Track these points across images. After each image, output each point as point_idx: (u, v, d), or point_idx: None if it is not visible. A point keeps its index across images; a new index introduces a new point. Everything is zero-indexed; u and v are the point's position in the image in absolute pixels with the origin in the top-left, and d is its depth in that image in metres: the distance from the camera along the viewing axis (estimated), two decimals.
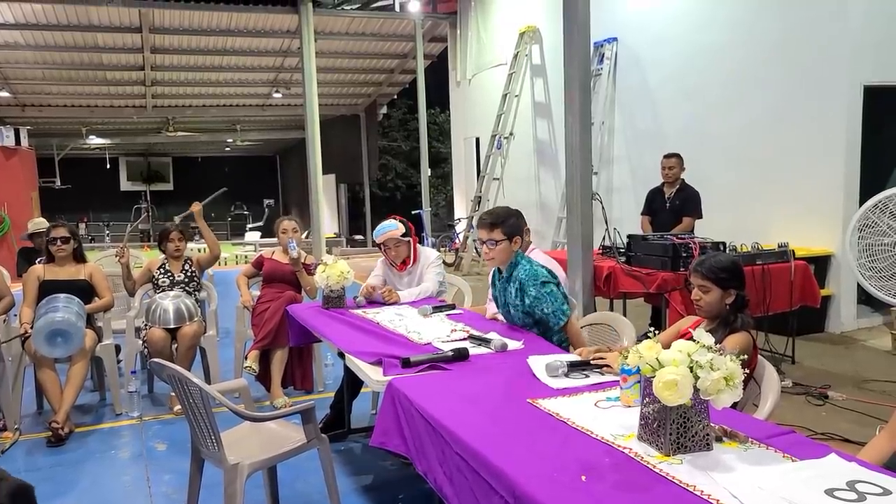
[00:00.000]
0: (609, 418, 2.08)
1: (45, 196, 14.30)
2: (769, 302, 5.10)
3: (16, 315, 4.79)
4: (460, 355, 2.78)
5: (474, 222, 10.83)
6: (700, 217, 5.98)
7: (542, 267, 3.29)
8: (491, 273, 3.53)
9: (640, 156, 8.51)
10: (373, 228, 21.28)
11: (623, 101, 8.95)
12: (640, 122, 8.69)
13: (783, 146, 6.78)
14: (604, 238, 5.72)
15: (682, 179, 6.11)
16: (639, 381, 2.00)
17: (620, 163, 9.04)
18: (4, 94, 16.03)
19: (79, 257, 4.79)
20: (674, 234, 5.30)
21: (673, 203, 6.08)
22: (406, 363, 2.69)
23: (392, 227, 4.36)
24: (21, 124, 13.87)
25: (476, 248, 4.30)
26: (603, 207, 5.58)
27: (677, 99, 8.05)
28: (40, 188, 14.03)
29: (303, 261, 5.04)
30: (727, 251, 4.99)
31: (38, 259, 4.90)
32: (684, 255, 4.87)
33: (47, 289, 4.52)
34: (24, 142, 12.83)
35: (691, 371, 1.79)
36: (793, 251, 5.34)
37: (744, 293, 2.69)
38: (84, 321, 4.38)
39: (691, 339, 1.88)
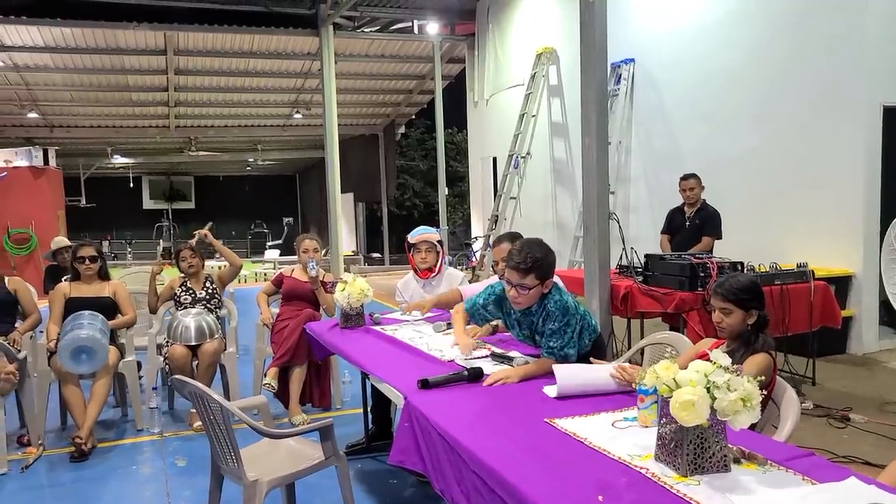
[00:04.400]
0: (626, 438, 2.08)
1: (70, 214, 14.52)
2: (788, 323, 5.06)
3: (42, 332, 4.87)
4: (475, 375, 2.79)
5: (491, 241, 10.85)
6: (720, 237, 5.96)
7: (570, 296, 3.05)
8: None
9: (657, 175, 8.51)
10: (390, 247, 21.36)
11: (640, 121, 8.97)
12: (656, 142, 8.69)
13: (800, 166, 6.75)
14: (621, 257, 5.72)
15: (703, 199, 6.10)
16: (656, 402, 2.01)
17: (637, 182, 9.04)
18: (34, 115, 16.38)
19: (103, 275, 4.88)
20: (691, 254, 5.29)
21: (693, 222, 6.07)
22: (424, 384, 2.70)
23: (430, 231, 4.47)
24: (49, 145, 14.13)
25: (492, 267, 4.21)
26: (620, 227, 5.58)
27: (694, 118, 8.06)
28: (66, 207, 14.26)
29: (321, 279, 5.09)
30: (745, 271, 4.97)
31: (65, 277, 4.99)
32: (702, 274, 4.86)
33: (73, 306, 4.60)
34: (52, 162, 13.07)
35: (708, 392, 1.80)
36: (812, 271, 5.30)
37: (765, 313, 2.68)
38: (108, 338, 4.46)
39: (709, 360, 1.89)
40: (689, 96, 8.14)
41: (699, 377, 1.82)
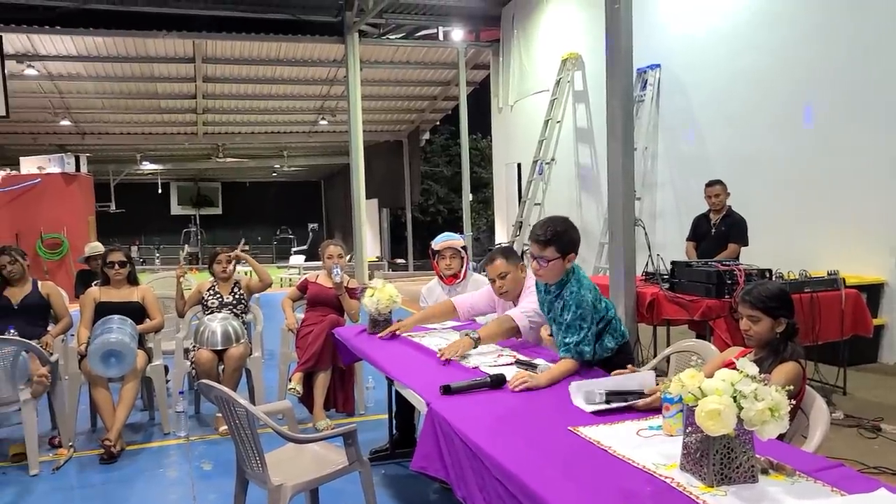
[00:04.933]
0: (651, 447, 2.07)
1: (100, 220, 14.77)
2: (818, 331, 4.98)
3: (73, 335, 4.96)
4: (497, 382, 2.79)
5: (515, 248, 10.83)
6: (746, 244, 5.90)
7: (590, 292, 3.05)
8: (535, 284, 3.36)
9: (684, 181, 8.44)
10: (414, 252, 21.42)
11: (666, 126, 8.91)
12: (683, 147, 8.62)
13: (830, 171, 6.65)
14: (647, 264, 5.67)
15: (729, 206, 6.05)
16: (681, 410, 1.99)
17: (664, 188, 8.97)
18: (67, 122, 16.73)
19: (132, 280, 4.96)
20: (718, 261, 5.24)
21: (719, 229, 6.01)
22: (446, 390, 2.71)
23: (454, 237, 4.48)
24: (81, 151, 14.41)
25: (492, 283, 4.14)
26: (646, 233, 5.54)
27: (721, 124, 7.98)
28: (97, 212, 14.51)
29: (346, 285, 5.12)
30: (773, 279, 4.90)
31: (95, 282, 5.08)
32: (729, 282, 4.81)
33: (102, 310, 4.67)
34: (84, 168, 13.31)
35: (735, 401, 1.78)
36: (843, 279, 5.22)
37: (794, 321, 2.64)
38: (136, 342, 4.52)
39: (735, 368, 1.87)
40: (715, 101, 8.07)
41: (725, 386, 1.80)
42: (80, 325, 4.74)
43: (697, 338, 5.57)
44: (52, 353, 4.60)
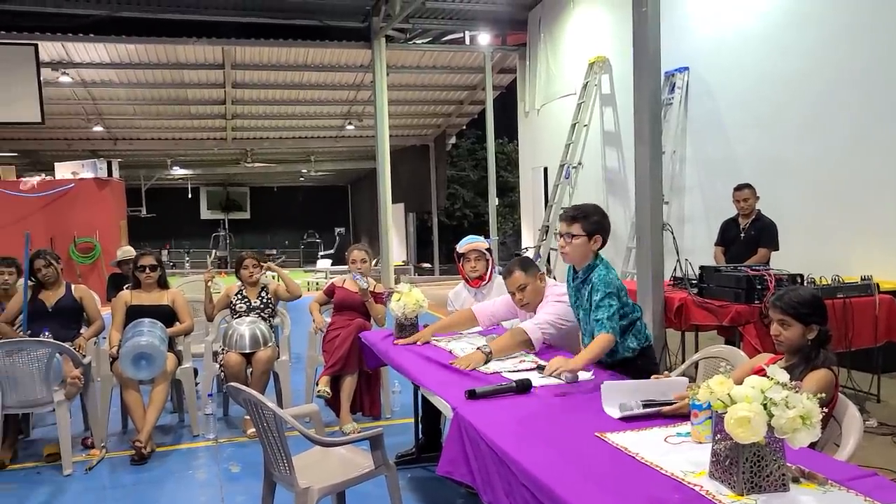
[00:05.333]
0: (679, 454, 2.05)
1: (131, 224, 15.00)
2: (851, 337, 4.88)
3: (104, 338, 5.05)
4: (523, 387, 2.78)
5: (541, 251, 10.79)
6: (777, 248, 5.81)
7: (618, 279, 3.17)
8: (566, 273, 3.43)
9: (713, 185, 8.34)
10: (441, 257, 21.39)
11: (694, 130, 8.82)
12: (712, 151, 8.53)
13: (863, 175, 6.53)
14: (675, 269, 5.62)
15: (759, 210, 5.97)
16: (710, 417, 1.97)
17: (692, 192, 8.88)
18: (99, 128, 17.04)
19: (162, 284, 5.03)
20: (748, 266, 5.17)
21: (748, 234, 5.93)
22: (471, 395, 2.71)
23: (478, 239, 4.49)
24: (113, 157, 14.65)
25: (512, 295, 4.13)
26: (674, 237, 5.49)
27: (751, 127, 7.88)
28: (128, 217, 14.73)
29: (372, 289, 5.15)
30: (805, 284, 4.83)
31: (126, 285, 5.16)
32: (759, 287, 4.74)
33: (133, 313, 4.75)
34: (116, 173, 13.54)
35: (765, 408, 1.76)
36: (877, 284, 5.12)
37: (826, 328, 2.59)
38: (166, 345, 4.59)
39: (765, 375, 1.85)
40: (744, 104, 7.97)
41: (755, 393, 1.78)
42: (111, 329, 4.82)
43: (726, 343, 5.50)
44: (84, 356, 4.68)
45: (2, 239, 10.45)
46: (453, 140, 21.87)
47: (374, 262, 5.36)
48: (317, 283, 15.97)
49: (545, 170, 12.84)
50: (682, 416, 2.34)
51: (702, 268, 5.34)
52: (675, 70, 8.82)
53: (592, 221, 3.12)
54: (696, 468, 1.92)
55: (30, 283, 4.96)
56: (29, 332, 4.67)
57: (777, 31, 7.50)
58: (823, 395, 1.87)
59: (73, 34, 11.57)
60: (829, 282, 5.04)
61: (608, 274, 3.11)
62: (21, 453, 4.56)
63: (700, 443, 2.09)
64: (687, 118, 8.89)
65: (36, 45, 10.16)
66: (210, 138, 18.86)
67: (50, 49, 12.37)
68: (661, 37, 5.26)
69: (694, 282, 5.34)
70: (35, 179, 12.71)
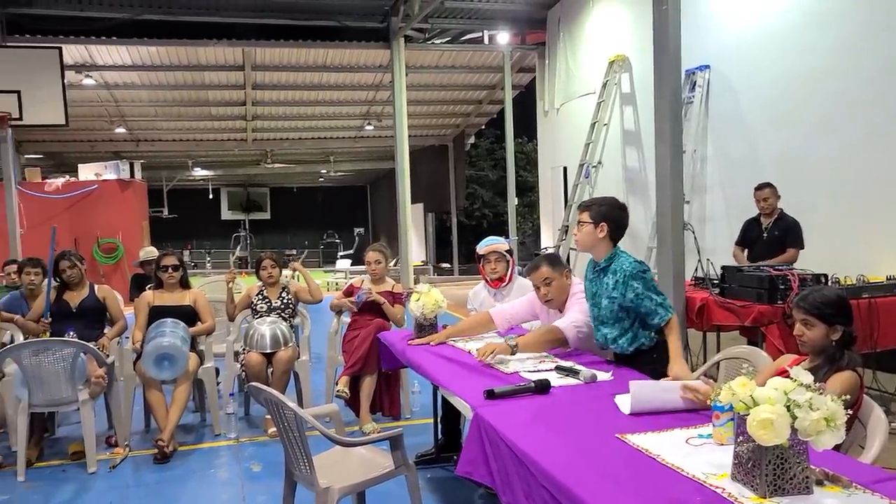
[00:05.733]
0: (701, 456, 2.03)
1: (153, 225, 15.17)
2: (877, 338, 4.81)
3: (127, 338, 5.11)
4: (542, 387, 2.78)
5: (561, 251, 10.75)
6: (803, 247, 5.74)
7: (641, 262, 3.28)
8: (584, 269, 3.49)
9: (734, 184, 8.26)
10: (460, 257, 21.33)
11: (716, 129, 8.74)
12: (734, 150, 8.45)
13: (888, 174, 6.43)
14: (696, 269, 5.58)
15: (780, 209, 5.90)
16: (732, 419, 1.95)
17: (713, 191, 8.80)
18: (122, 130, 17.24)
19: (184, 284, 5.08)
20: (770, 265, 5.12)
21: (771, 234, 5.87)
22: (490, 395, 2.71)
23: (498, 241, 4.49)
24: (135, 158, 14.85)
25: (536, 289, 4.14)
26: (695, 237, 5.45)
27: (773, 126, 7.79)
28: (150, 217, 14.90)
29: (391, 290, 5.16)
30: (829, 284, 4.77)
31: (149, 285, 5.22)
32: (782, 287, 4.69)
33: (156, 313, 4.81)
34: (138, 175, 13.70)
35: (788, 410, 1.74)
36: None
37: (851, 329, 2.56)
38: (188, 346, 4.63)
39: (789, 376, 1.83)
40: (767, 103, 7.88)
41: (778, 395, 1.76)
42: (134, 328, 4.88)
43: (749, 344, 5.45)
44: (108, 356, 4.74)
45: (28, 239, 10.62)
46: (472, 140, 21.84)
47: (393, 263, 5.37)
48: (336, 284, 16.04)
49: (564, 169, 12.79)
50: (696, 410, 2.40)
51: (724, 268, 5.29)
52: (696, 68, 8.75)
53: (600, 211, 3.23)
54: (718, 470, 1.91)
55: (54, 283, 5.04)
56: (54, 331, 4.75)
57: (798, 29, 7.41)
58: (848, 396, 1.85)
59: (95, 37, 11.72)
60: (854, 282, 4.97)
61: (634, 259, 3.22)
62: (47, 451, 4.63)
63: (722, 444, 2.08)
64: (708, 117, 8.81)
65: (60, 49, 10.28)
66: (231, 139, 19.01)
67: (74, 52, 12.53)
68: (681, 34, 5.22)
69: (716, 282, 5.29)
70: (59, 181, 12.90)
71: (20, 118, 9.58)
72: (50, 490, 4.05)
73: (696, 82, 8.80)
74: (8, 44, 10.61)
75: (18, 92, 9.54)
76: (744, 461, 1.82)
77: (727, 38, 8.45)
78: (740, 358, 3.20)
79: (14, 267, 6.12)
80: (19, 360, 4.23)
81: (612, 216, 3.25)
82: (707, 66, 8.72)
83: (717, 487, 1.81)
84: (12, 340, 4.99)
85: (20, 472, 4.18)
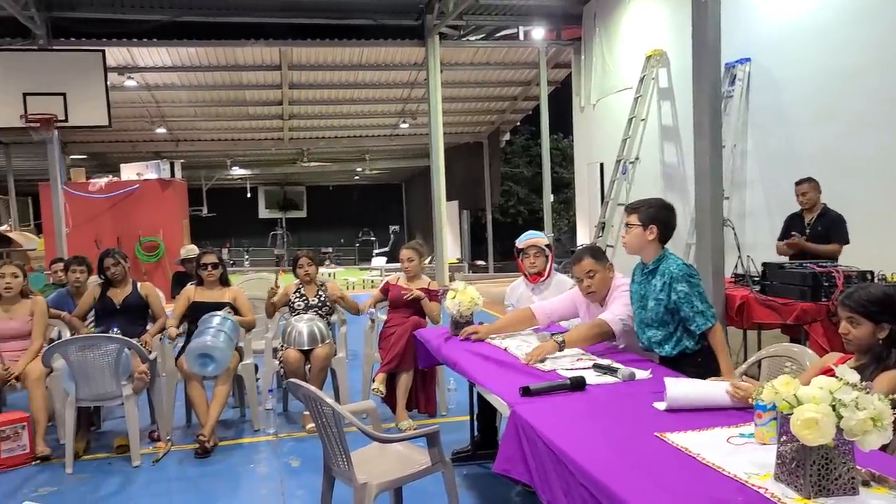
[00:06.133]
0: (742, 455, 2.00)
1: (193, 223, 15.41)
2: None
3: (167, 340, 5.20)
4: (577, 384, 2.76)
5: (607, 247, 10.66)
6: (847, 242, 5.62)
7: (690, 265, 3.25)
8: (632, 271, 3.48)
9: (776, 180, 8.09)
10: (495, 254, 21.24)
11: (756, 123, 8.57)
12: (775, 145, 8.27)
13: None
14: (736, 266, 5.48)
15: (824, 204, 5.78)
16: (775, 418, 1.92)
17: (754, 187, 8.63)
18: (162, 130, 17.58)
19: (224, 281, 5.17)
20: (814, 262, 5.01)
21: (814, 229, 5.74)
22: (526, 391, 2.70)
23: (538, 235, 4.50)
24: (175, 158, 15.09)
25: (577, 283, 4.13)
26: (735, 233, 5.37)
27: (816, 120, 7.61)
28: (189, 216, 15.14)
29: (426, 287, 5.18)
30: (875, 281, 4.65)
31: (189, 283, 5.31)
32: (826, 284, 4.59)
33: (197, 309, 4.90)
34: (178, 174, 13.94)
35: (834, 409, 1.70)
36: None
37: None
38: (235, 341, 4.71)
39: (834, 375, 1.79)
40: (809, 96, 7.70)
41: (823, 394, 1.73)
42: (171, 317, 4.99)
43: (791, 342, 5.35)
44: (150, 352, 4.84)
45: (73, 237, 10.90)
46: (507, 137, 21.75)
47: (428, 260, 5.39)
48: (371, 281, 16.14)
49: (601, 165, 12.67)
50: (739, 408, 2.35)
51: (765, 264, 5.20)
52: (736, 61, 8.59)
53: (649, 213, 3.23)
54: (761, 470, 1.88)
55: (98, 280, 5.17)
56: (98, 328, 4.87)
57: (844, 23, 7.22)
58: (895, 395, 1.81)
59: (137, 39, 11.97)
60: None
61: (683, 262, 3.21)
62: (93, 444, 4.76)
63: (764, 444, 2.05)
64: (748, 111, 8.65)
65: (103, 51, 10.51)
66: (268, 138, 19.23)
67: (116, 54, 12.80)
68: (721, 27, 5.13)
69: (756, 279, 5.20)
70: (103, 181, 13.19)
71: (66, 120, 9.82)
72: (96, 482, 4.16)
73: (736, 75, 8.64)
74: (53, 47, 10.89)
75: (64, 94, 9.78)
76: (787, 461, 1.78)
77: (768, 29, 8.28)
78: (783, 356, 3.14)
79: (60, 265, 6.29)
80: (66, 355, 4.35)
81: (660, 217, 3.23)
82: (748, 59, 8.56)
83: (759, 487, 1.78)
84: (59, 336, 5.12)
85: (68, 464, 4.30)
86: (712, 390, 2.49)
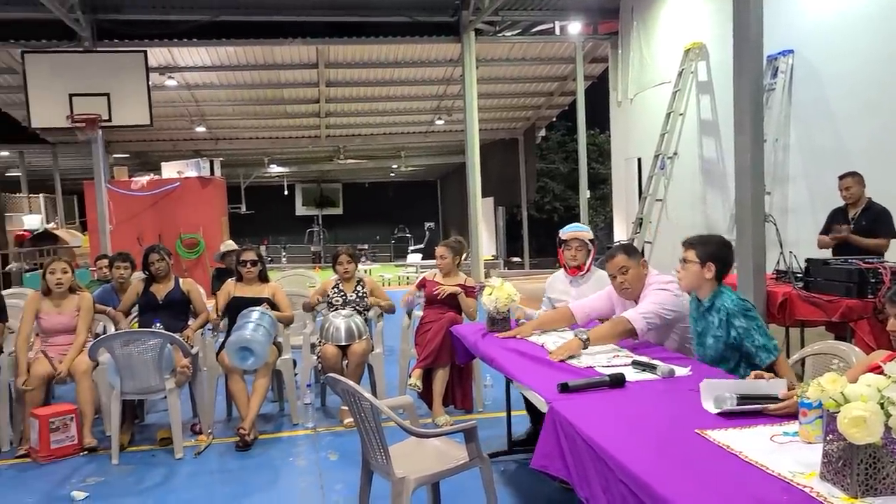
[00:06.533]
0: (786, 454, 1.97)
1: (231, 221, 15.64)
2: None
3: (210, 329, 5.30)
4: (616, 381, 2.74)
5: (636, 245, 10.55)
6: (894, 236, 5.48)
7: (745, 300, 3.17)
8: (688, 303, 3.44)
9: (819, 174, 7.91)
10: (530, 251, 21.11)
11: (799, 117, 8.38)
12: (818, 139, 8.09)
13: None
14: (778, 262, 5.38)
15: (868, 198, 5.64)
16: (821, 417, 1.88)
17: (796, 182, 8.46)
18: (202, 129, 17.87)
19: (263, 277, 5.24)
20: (860, 258, 4.89)
21: (859, 223, 5.61)
22: (564, 388, 2.69)
23: (583, 229, 4.48)
24: (215, 156, 15.34)
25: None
26: (777, 229, 5.25)
27: (861, 113, 7.41)
28: (228, 213, 15.36)
29: (463, 283, 5.19)
30: None
31: (230, 279, 5.40)
32: (873, 280, 4.47)
33: (236, 305, 4.98)
34: (217, 172, 14.16)
35: (882, 408, 1.67)
36: None
37: None
38: (273, 336, 4.78)
39: (882, 373, 1.75)
40: (853, 90, 7.51)
41: (871, 392, 1.69)
42: (213, 310, 5.13)
43: (836, 340, 5.23)
44: (192, 346, 4.93)
45: (116, 234, 11.15)
46: (543, 132, 21.64)
47: (464, 257, 5.40)
48: (407, 278, 16.22)
49: (639, 161, 12.54)
50: (787, 415, 2.25)
51: (808, 260, 5.09)
52: (779, 53, 8.41)
53: (709, 251, 3.15)
54: (806, 469, 1.84)
55: (142, 276, 5.28)
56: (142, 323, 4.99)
57: (887, 13, 7.03)
58: None
59: (178, 39, 12.19)
60: None
61: (737, 296, 3.14)
62: (137, 437, 4.87)
63: (809, 443, 2.01)
64: (791, 104, 8.47)
65: (145, 52, 10.74)
66: (305, 136, 19.41)
67: (157, 55, 13.04)
68: (763, 18, 5.03)
69: (799, 275, 5.09)
70: (144, 179, 13.47)
71: (109, 119, 10.05)
72: (141, 474, 4.26)
73: (778, 68, 8.47)
74: (98, 49, 11.15)
75: (108, 95, 10.00)
76: (833, 460, 1.75)
77: (812, 21, 8.10)
78: (829, 353, 3.07)
79: (105, 261, 6.44)
80: (111, 349, 4.45)
81: (719, 256, 3.17)
82: (790, 51, 8.38)
83: (804, 487, 1.75)
84: (104, 331, 5.25)
85: (114, 455, 4.41)
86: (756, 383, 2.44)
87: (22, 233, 17.70)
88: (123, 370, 4.45)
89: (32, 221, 19.56)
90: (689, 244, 3.21)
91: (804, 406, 2.02)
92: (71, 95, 9.82)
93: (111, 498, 3.95)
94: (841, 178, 5.73)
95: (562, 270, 4.50)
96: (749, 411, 2.31)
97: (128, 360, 4.43)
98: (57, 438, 4.48)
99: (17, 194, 21.21)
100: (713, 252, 3.15)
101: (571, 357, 3.23)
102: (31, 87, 9.93)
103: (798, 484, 1.77)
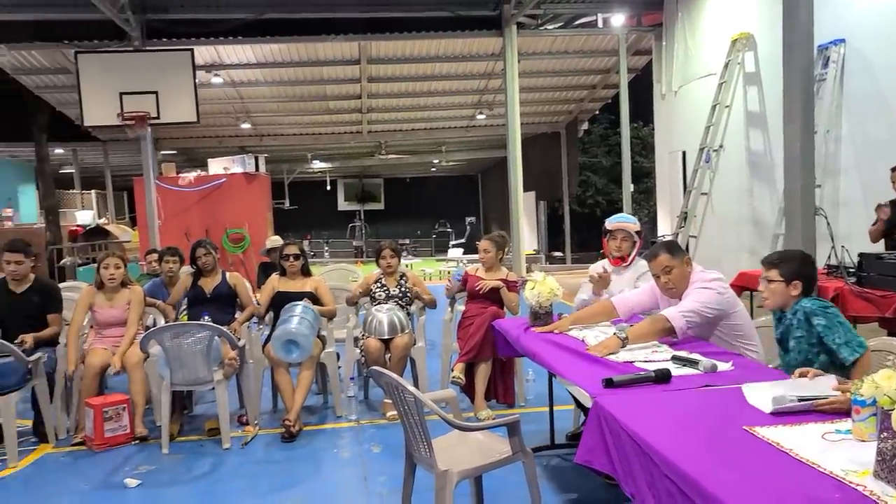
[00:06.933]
0: (839, 452, 1.92)
1: (275, 216, 15.85)
2: None
3: (256, 322, 5.40)
4: (662, 377, 2.71)
5: (680, 239, 10.39)
6: None
7: (822, 299, 3.12)
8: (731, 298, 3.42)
9: (873, 166, 7.68)
10: (572, 245, 20.95)
11: (852, 108, 8.15)
12: (871, 130, 7.85)
13: None
14: (829, 256, 5.25)
15: None
16: (874, 414, 1.84)
17: (848, 174, 8.22)
18: (247, 125, 18.16)
19: (305, 272, 5.32)
20: None
21: None
22: (608, 383, 2.67)
23: (630, 220, 4.43)
24: (259, 152, 15.56)
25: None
26: (828, 223, 5.14)
27: None
28: (273, 209, 15.58)
29: (505, 278, 5.18)
30: None
31: (275, 272, 5.48)
32: None
33: (280, 298, 5.06)
34: (262, 168, 14.36)
35: None
36: None
37: None
38: (316, 329, 4.85)
39: None
40: None
41: None
42: (259, 304, 5.25)
43: (889, 336, 5.08)
44: (239, 339, 5.02)
45: (165, 229, 11.41)
46: (585, 126, 21.42)
47: (506, 251, 5.39)
48: (448, 272, 16.23)
49: (683, 154, 12.34)
50: (839, 412, 2.20)
51: (861, 255, 4.96)
52: (830, 43, 8.18)
53: (793, 269, 3.08)
54: (859, 467, 1.80)
55: (190, 270, 5.40)
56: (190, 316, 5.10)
57: None
58: None
59: (224, 37, 12.40)
60: None
61: (818, 299, 3.09)
62: (186, 427, 4.99)
63: (862, 441, 1.96)
64: (843, 94, 8.23)
65: (192, 50, 10.94)
66: (347, 132, 19.58)
67: (204, 53, 13.29)
68: (813, 6, 4.91)
69: (851, 270, 4.97)
70: (192, 175, 13.73)
71: (158, 117, 10.27)
72: (190, 463, 4.37)
73: (829, 57, 8.24)
74: (147, 48, 11.40)
75: (156, 93, 10.22)
76: (888, 458, 1.71)
77: (864, 9, 7.86)
78: (883, 350, 2.99)
79: (155, 256, 6.60)
80: (161, 341, 4.57)
81: (805, 273, 3.10)
82: (842, 40, 8.15)
83: (857, 485, 1.71)
84: (154, 324, 5.39)
85: (164, 444, 4.53)
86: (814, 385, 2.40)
87: (75, 228, 18.26)
88: (173, 362, 4.56)
89: (85, 217, 20.16)
90: (770, 263, 3.13)
91: (858, 403, 1.97)
92: (121, 94, 10.05)
93: (162, 486, 4.06)
94: (893, 170, 5.56)
95: (605, 260, 4.47)
96: (799, 409, 2.26)
97: (177, 351, 4.54)
98: (110, 427, 4.62)
99: (71, 191, 21.89)
100: (797, 269, 3.08)
101: (610, 354, 3.20)
102: (83, 86, 10.19)
103: (851, 482, 1.73)
